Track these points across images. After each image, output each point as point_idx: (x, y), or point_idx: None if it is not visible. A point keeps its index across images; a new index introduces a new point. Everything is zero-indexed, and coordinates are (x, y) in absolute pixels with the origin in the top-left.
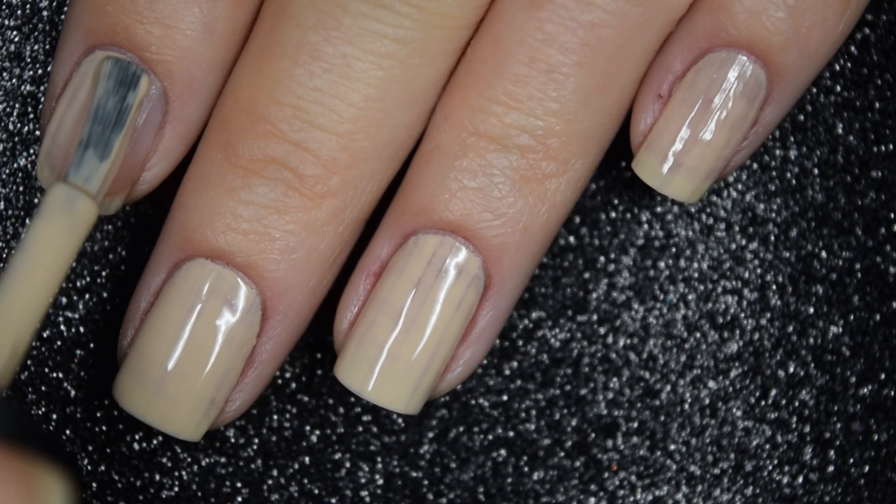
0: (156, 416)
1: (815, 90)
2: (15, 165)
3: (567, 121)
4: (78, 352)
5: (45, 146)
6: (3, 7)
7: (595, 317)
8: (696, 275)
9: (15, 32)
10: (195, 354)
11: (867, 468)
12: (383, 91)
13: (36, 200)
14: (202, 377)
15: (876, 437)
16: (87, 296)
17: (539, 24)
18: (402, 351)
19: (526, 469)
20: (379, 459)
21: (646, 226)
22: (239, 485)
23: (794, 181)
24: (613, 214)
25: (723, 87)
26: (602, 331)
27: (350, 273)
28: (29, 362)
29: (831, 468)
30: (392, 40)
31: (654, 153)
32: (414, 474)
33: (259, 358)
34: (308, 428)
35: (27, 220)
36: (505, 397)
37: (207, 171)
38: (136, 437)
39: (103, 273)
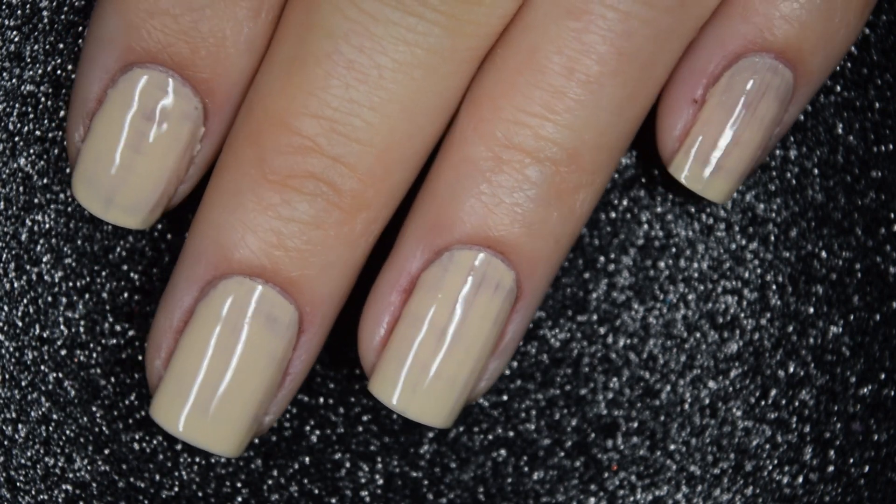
0: (203, 438)
1: None
2: (15, 165)
3: (599, 132)
4: (78, 352)
5: (85, 166)
6: (3, 7)
7: (595, 317)
8: (696, 275)
9: (15, 32)
10: (241, 374)
11: (867, 468)
12: (415, 101)
13: (36, 200)
14: (250, 397)
15: (876, 437)
16: (87, 296)
17: (577, 35)
18: (444, 368)
19: (526, 469)
20: (379, 459)
21: (646, 226)
22: (239, 485)
23: (794, 181)
24: (613, 214)
25: (759, 89)
26: (602, 331)
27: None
28: (29, 361)
29: (831, 468)
30: (423, 49)
31: (694, 158)
32: (414, 474)
33: (294, 370)
34: (308, 428)
35: (27, 221)
36: (505, 397)
37: (240, 186)
38: (136, 437)
39: (103, 273)
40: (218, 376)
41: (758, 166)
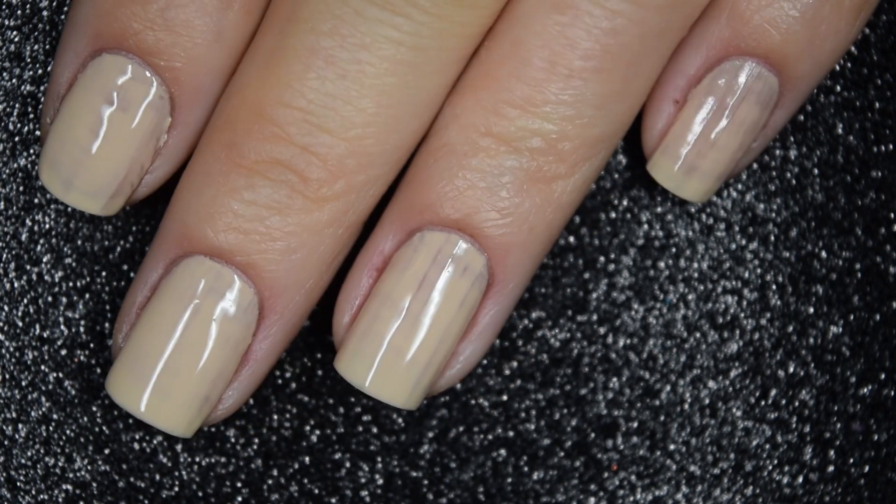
0: (149, 412)
1: (815, 90)
2: (15, 165)
3: (581, 125)
4: (78, 352)
5: (50, 148)
6: (3, 7)
7: (595, 317)
8: (696, 275)
9: (15, 32)
10: (191, 351)
11: (867, 468)
12: (395, 98)
13: (36, 200)
14: (197, 374)
15: (876, 437)
16: (87, 296)
17: (561, 29)
18: (404, 346)
19: (526, 469)
20: (379, 459)
21: (646, 226)
22: (239, 485)
23: (794, 181)
24: (613, 214)
25: (739, 93)
26: (602, 331)
27: (349, 267)
28: (29, 361)
29: (831, 468)
30: (408, 48)
31: (670, 157)
32: (414, 474)
33: (254, 356)
34: (308, 428)
35: (27, 221)
36: (505, 397)
37: (210, 168)
38: (136, 437)
39: (103, 273)
40: (169, 354)
41: (741, 168)
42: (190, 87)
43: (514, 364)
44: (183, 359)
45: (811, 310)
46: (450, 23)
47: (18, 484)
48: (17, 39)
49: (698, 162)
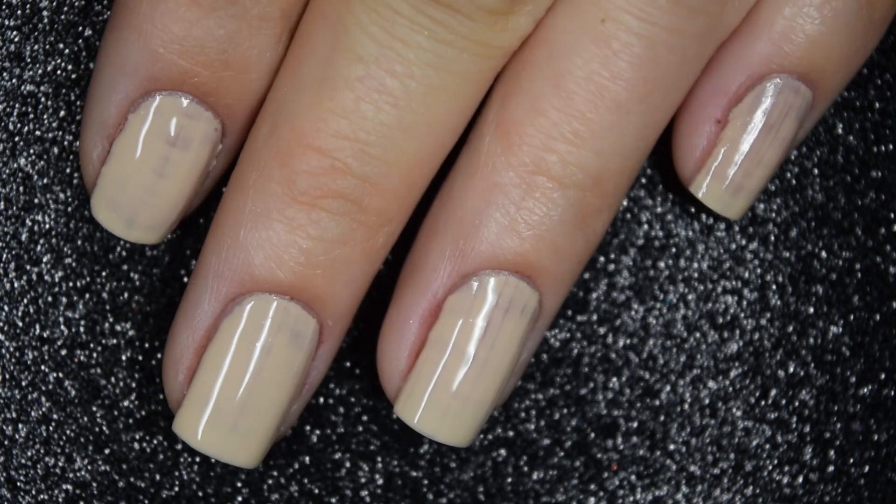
0: (228, 452)
1: None
2: (15, 165)
3: (624, 157)
4: (78, 352)
5: (108, 189)
6: (3, 7)
7: (595, 317)
8: (696, 275)
9: (15, 32)
10: (266, 389)
11: (867, 468)
12: (442, 122)
13: (36, 200)
14: (273, 410)
15: (876, 437)
16: (87, 296)
17: (604, 62)
18: (473, 393)
19: (526, 469)
20: (379, 459)
21: (646, 226)
22: (239, 485)
23: (794, 181)
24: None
25: (782, 111)
26: (602, 331)
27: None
28: (29, 361)
29: (831, 468)
30: (453, 74)
31: (718, 178)
32: (414, 474)
33: (311, 380)
34: (308, 428)
35: (27, 221)
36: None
37: (268, 206)
38: (136, 437)
39: (103, 273)
40: (243, 392)
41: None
42: (243, 117)
43: None
44: (258, 398)
45: (811, 310)
46: (489, 47)
47: (18, 484)
48: (17, 39)
49: (745, 181)
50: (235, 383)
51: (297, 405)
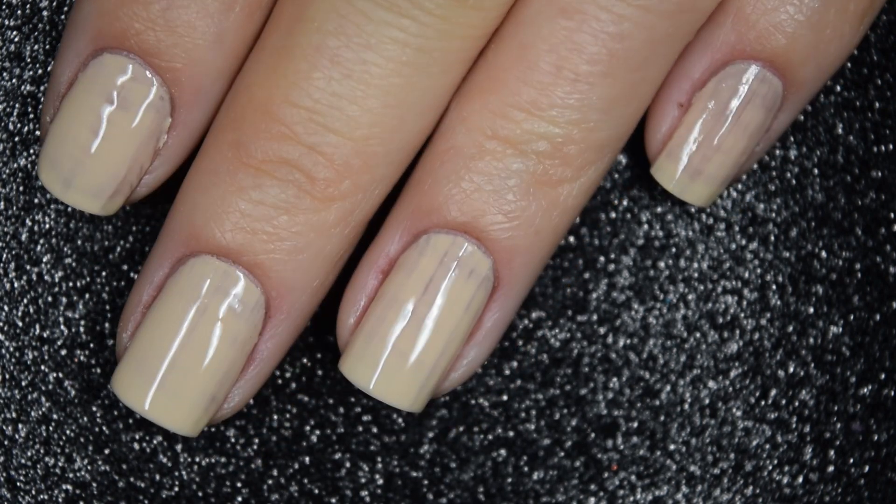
0: (155, 412)
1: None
2: (15, 165)
3: (587, 129)
4: (78, 352)
5: (50, 147)
6: (3, 7)
7: (595, 317)
8: (696, 275)
9: (15, 32)
10: (199, 351)
11: (867, 468)
12: (400, 98)
13: (36, 200)
14: (205, 373)
15: (876, 437)
16: (86, 296)
17: (568, 34)
18: (410, 349)
19: (526, 469)
20: (379, 459)
21: (646, 226)
22: (239, 485)
23: (794, 181)
24: (613, 214)
25: (743, 97)
26: (602, 331)
27: (353, 269)
28: (29, 361)
29: (831, 468)
30: (414, 49)
31: (674, 160)
32: (414, 474)
33: (260, 356)
34: (308, 428)
35: (27, 221)
36: (505, 397)
37: (217, 168)
38: (136, 437)
39: (103, 273)
40: (176, 353)
41: (743, 172)
42: (190, 88)
43: (514, 364)
44: (190, 358)
45: (811, 310)
46: (454, 24)
47: (18, 484)
48: (17, 39)
49: (703, 166)
50: (167, 342)
51: (245, 380)
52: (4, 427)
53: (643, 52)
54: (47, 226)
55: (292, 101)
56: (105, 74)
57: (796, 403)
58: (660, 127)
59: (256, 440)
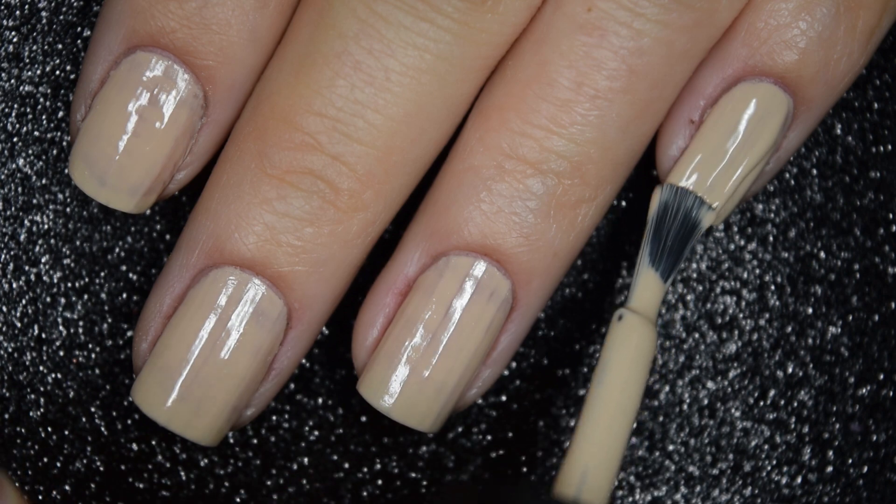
0: (179, 423)
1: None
2: (13, 166)
3: (605, 148)
4: (76, 353)
5: (82, 145)
6: (3, 7)
7: (594, 317)
8: (694, 275)
9: (13, 33)
10: (221, 363)
11: (866, 468)
12: (421, 107)
13: (34, 201)
14: (227, 385)
15: (874, 438)
16: (86, 296)
17: (588, 50)
18: (433, 372)
19: (525, 469)
20: (378, 460)
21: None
22: (239, 485)
23: (792, 181)
24: (612, 215)
25: (755, 115)
26: (602, 331)
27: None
28: (28, 362)
29: (830, 468)
30: (433, 55)
31: (686, 178)
32: (413, 475)
33: (279, 365)
34: (308, 428)
35: (25, 221)
36: (505, 397)
37: (240, 179)
38: (136, 437)
39: (102, 273)
40: (200, 364)
41: (753, 192)
42: (224, 85)
43: (514, 364)
44: (212, 370)
45: (810, 310)
46: (472, 29)
47: (17, 484)
48: (15, 40)
49: (715, 183)
50: (189, 353)
51: (264, 389)
52: (4, 427)
53: (662, 68)
54: (46, 226)
55: (316, 110)
56: (138, 72)
57: (795, 404)
58: (671, 144)
59: (256, 440)
